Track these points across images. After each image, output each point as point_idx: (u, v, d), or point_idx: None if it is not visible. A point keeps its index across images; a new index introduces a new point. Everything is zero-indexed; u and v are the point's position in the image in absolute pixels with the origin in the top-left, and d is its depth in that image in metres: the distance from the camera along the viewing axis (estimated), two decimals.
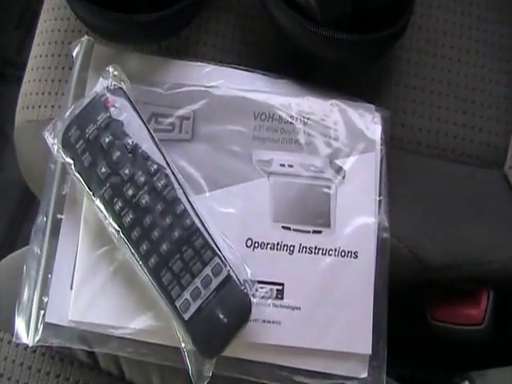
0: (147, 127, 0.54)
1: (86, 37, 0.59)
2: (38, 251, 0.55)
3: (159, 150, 0.53)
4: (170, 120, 0.56)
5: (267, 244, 0.54)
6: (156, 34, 0.58)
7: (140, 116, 0.54)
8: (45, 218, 0.55)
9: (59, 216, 0.55)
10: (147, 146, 0.53)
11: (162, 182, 0.52)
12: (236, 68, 0.59)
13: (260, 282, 0.54)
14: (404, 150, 0.61)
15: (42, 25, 0.65)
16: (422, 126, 0.61)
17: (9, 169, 1.02)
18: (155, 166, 0.52)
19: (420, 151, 0.61)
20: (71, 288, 0.54)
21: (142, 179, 0.52)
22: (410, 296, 0.61)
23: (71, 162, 0.53)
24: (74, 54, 0.59)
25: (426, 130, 0.61)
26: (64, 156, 0.54)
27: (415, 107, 0.62)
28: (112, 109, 0.53)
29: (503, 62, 0.64)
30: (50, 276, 0.54)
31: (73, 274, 0.54)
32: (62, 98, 0.60)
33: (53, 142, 0.54)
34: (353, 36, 0.54)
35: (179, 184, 0.53)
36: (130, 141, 0.53)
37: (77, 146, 0.53)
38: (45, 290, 0.54)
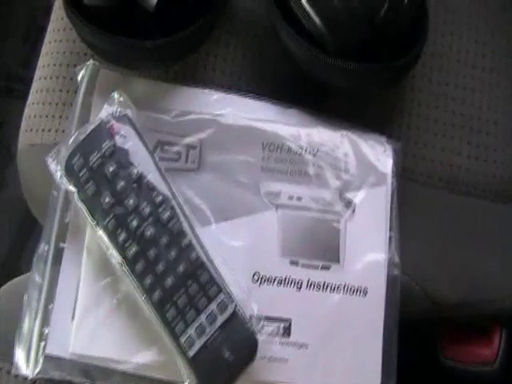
0: (153, 156, 0.53)
1: (91, 61, 0.58)
2: (40, 280, 0.54)
3: (165, 180, 0.52)
4: (176, 148, 0.55)
5: (274, 278, 0.53)
6: (164, 60, 0.57)
7: (146, 144, 0.53)
8: (47, 246, 0.54)
9: (62, 244, 0.54)
10: (152, 176, 0.52)
11: (168, 214, 0.51)
12: (245, 96, 0.58)
13: (267, 318, 0.52)
14: (416, 182, 0.59)
15: (47, 46, 0.64)
16: (434, 157, 0.60)
17: (13, 185, 1.01)
18: (160, 197, 0.51)
19: (432, 184, 0.60)
20: (73, 319, 0.53)
21: (147, 210, 0.51)
22: (420, 333, 0.60)
23: (74, 190, 0.52)
24: (79, 78, 0.58)
25: (438, 161, 0.60)
26: (67, 184, 0.53)
27: (427, 138, 0.60)
28: (117, 136, 0.52)
29: None
30: (51, 306, 0.53)
31: (75, 305, 0.53)
32: (66, 122, 0.59)
33: (56, 168, 0.53)
34: (364, 65, 0.53)
35: (185, 216, 0.51)
36: (135, 170, 0.52)
37: (80, 174, 0.52)
38: (46, 321, 0.53)
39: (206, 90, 0.58)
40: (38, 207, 0.63)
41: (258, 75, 0.60)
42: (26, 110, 0.63)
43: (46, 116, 0.61)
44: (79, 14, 0.55)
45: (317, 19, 0.53)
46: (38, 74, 0.64)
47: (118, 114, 0.53)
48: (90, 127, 0.53)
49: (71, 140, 0.53)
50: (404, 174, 0.58)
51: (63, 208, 0.55)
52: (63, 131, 0.59)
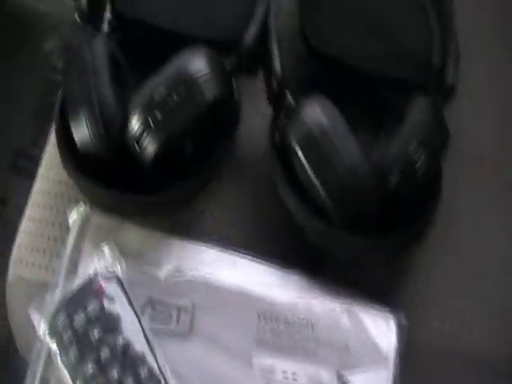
0: (140, 322, 0.50)
1: (83, 206, 0.55)
2: None
3: (152, 350, 0.49)
4: (167, 309, 0.52)
5: None
6: (160, 212, 0.55)
7: (134, 308, 0.50)
8: None
9: None
10: (139, 346, 0.49)
11: None
12: (242, 255, 0.54)
13: None
14: (421, 358, 0.55)
15: (44, 171, 0.62)
16: (442, 329, 0.56)
17: None
18: (146, 371, 0.48)
19: (439, 358, 0.55)
20: None
21: None
22: None
23: (57, 351, 0.50)
24: (70, 222, 0.55)
25: (446, 334, 0.56)
26: (50, 343, 0.50)
27: (435, 308, 0.56)
28: (104, 298, 0.50)
29: None
30: None
31: None
32: (55, 264, 0.56)
33: (39, 321, 0.51)
34: (372, 241, 0.50)
35: None
36: (120, 338, 0.49)
37: (64, 336, 0.49)
38: None
39: (202, 246, 0.55)
40: (23, 344, 0.60)
41: (258, 233, 0.57)
42: (18, 239, 0.61)
43: (37, 250, 0.58)
44: (74, 160, 0.54)
45: (322, 191, 0.50)
46: (32, 199, 0.62)
47: (106, 272, 0.51)
48: (77, 284, 0.51)
49: (57, 295, 0.51)
50: (408, 347, 0.53)
51: (46, 363, 0.51)
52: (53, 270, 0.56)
